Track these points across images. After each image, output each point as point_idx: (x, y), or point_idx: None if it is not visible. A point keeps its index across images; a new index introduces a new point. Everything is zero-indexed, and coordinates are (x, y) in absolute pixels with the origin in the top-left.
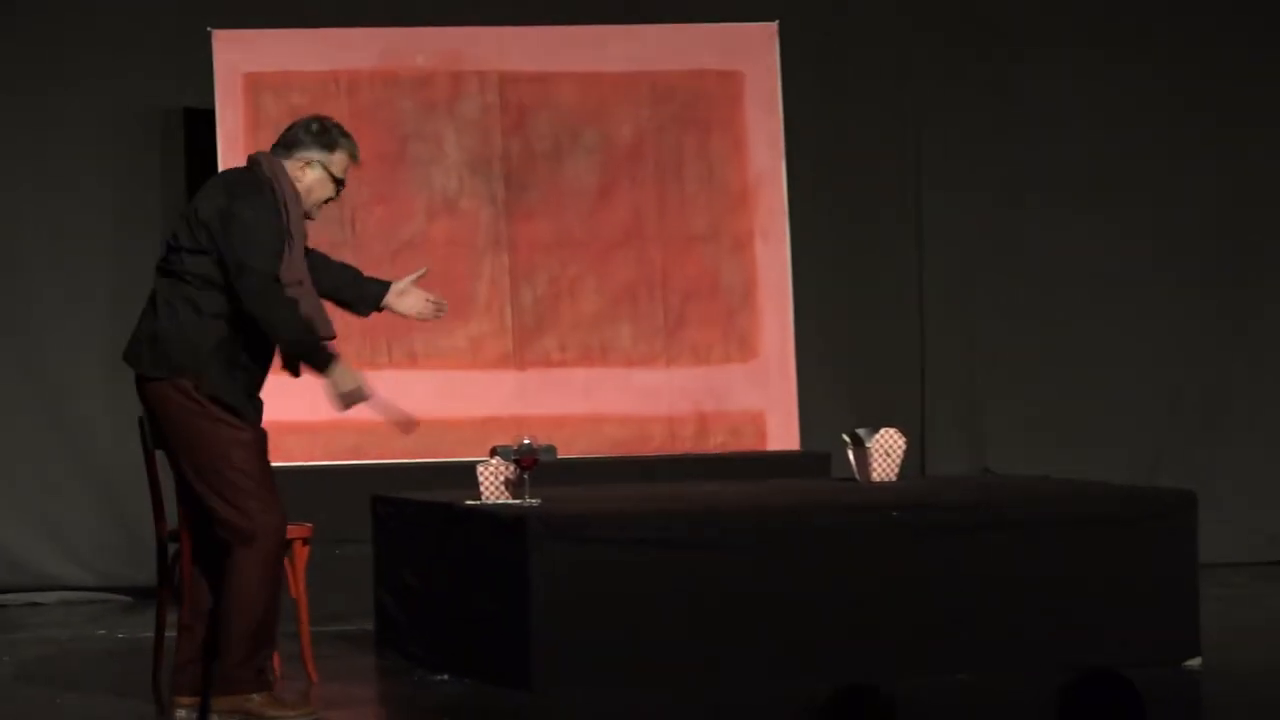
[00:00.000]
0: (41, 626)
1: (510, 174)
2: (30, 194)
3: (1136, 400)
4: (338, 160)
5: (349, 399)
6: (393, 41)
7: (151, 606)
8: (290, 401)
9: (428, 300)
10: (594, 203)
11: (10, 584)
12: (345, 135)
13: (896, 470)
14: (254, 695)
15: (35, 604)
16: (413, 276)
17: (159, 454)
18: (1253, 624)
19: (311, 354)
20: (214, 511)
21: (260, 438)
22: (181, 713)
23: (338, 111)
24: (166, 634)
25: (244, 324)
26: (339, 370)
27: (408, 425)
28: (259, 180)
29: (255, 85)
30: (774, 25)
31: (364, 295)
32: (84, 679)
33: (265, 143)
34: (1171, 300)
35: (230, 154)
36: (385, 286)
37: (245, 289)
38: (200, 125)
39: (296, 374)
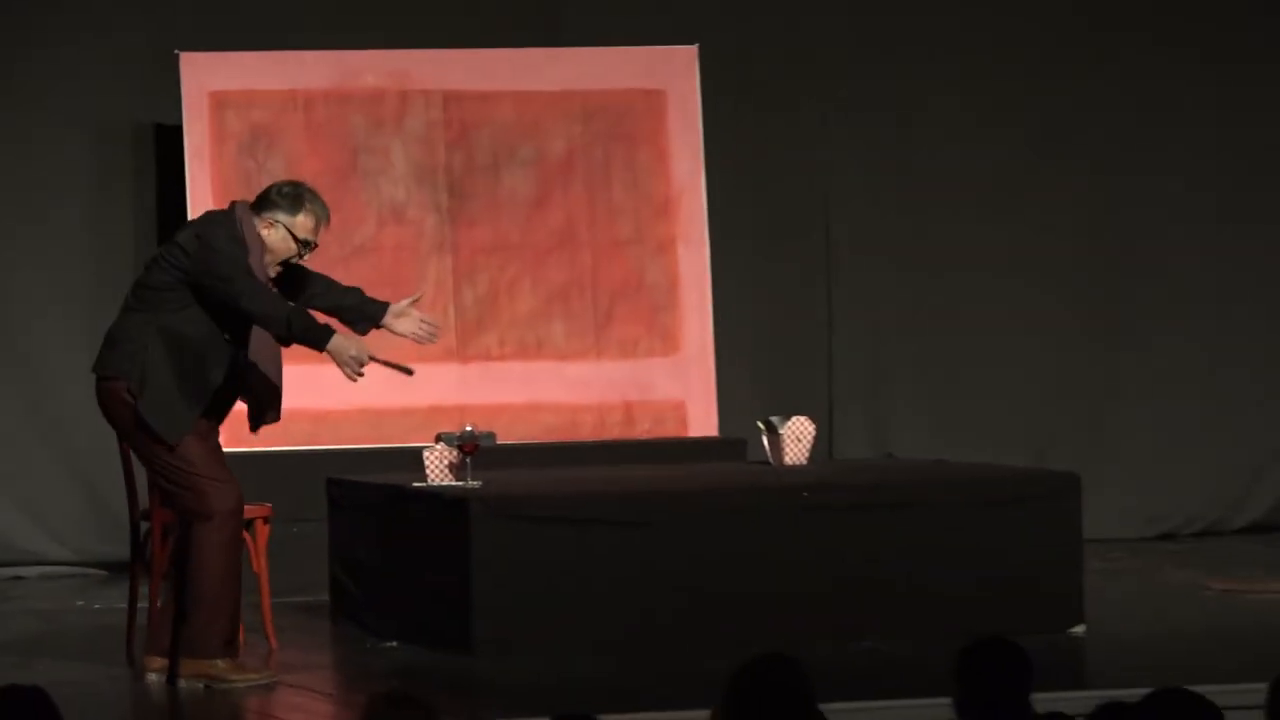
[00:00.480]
0: (24, 598)
1: (453, 185)
2: (12, 199)
3: (1028, 389)
4: (300, 223)
5: (353, 364)
6: (345, 63)
7: (125, 580)
8: None
9: (423, 322)
10: (530, 211)
11: None
12: (315, 200)
13: (807, 454)
14: (218, 660)
15: (18, 578)
16: (410, 300)
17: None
18: (1131, 595)
19: (307, 336)
20: (170, 494)
21: (202, 426)
22: (152, 676)
23: (294, 127)
24: (138, 605)
25: (193, 339)
26: (337, 341)
27: (405, 368)
28: (230, 222)
29: (220, 103)
30: (694, 48)
31: (365, 314)
32: (64, 646)
33: (228, 156)
34: (1059, 296)
35: (197, 166)
36: (384, 307)
37: (236, 296)
38: (169, 140)
39: (254, 428)
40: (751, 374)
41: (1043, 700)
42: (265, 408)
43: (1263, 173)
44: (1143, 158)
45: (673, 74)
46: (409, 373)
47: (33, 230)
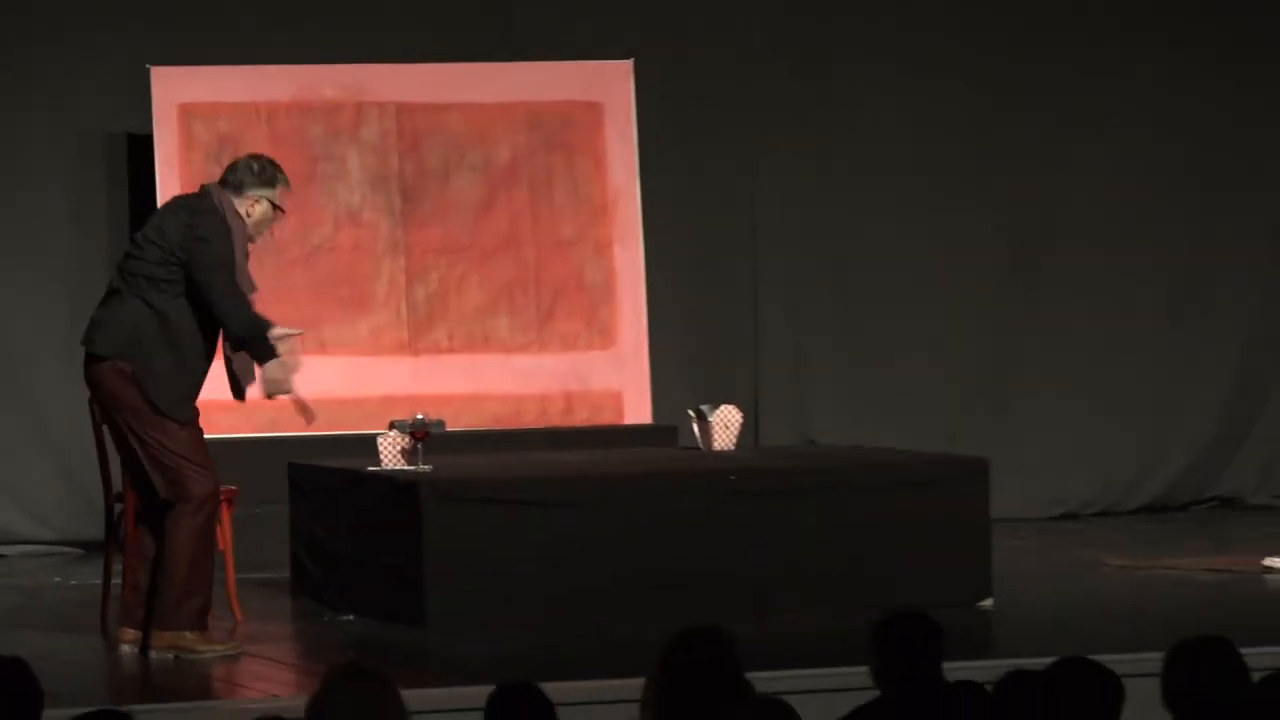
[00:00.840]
0: (6, 575)
1: (405, 190)
2: None
3: (941, 379)
4: (280, 193)
5: (272, 387)
6: (305, 77)
7: (100, 558)
8: (222, 383)
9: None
10: (477, 214)
11: None
12: (279, 169)
13: (734, 441)
14: (187, 633)
15: (1, 556)
16: (287, 333)
17: (105, 428)
18: (1036, 571)
19: (256, 345)
20: (155, 477)
21: (193, 411)
22: (125, 647)
23: (258, 136)
24: (112, 581)
25: (186, 323)
26: (274, 364)
27: (309, 416)
28: (213, 208)
29: (188, 114)
30: (629, 63)
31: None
32: (43, 619)
33: (196, 163)
34: (970, 292)
35: (166, 172)
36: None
37: (213, 292)
38: (141, 148)
39: (240, 396)
40: (683, 366)
41: (953, 669)
42: (247, 376)
43: (1159, 185)
44: (1051, 168)
45: (610, 87)
46: (310, 419)
47: (15, 229)
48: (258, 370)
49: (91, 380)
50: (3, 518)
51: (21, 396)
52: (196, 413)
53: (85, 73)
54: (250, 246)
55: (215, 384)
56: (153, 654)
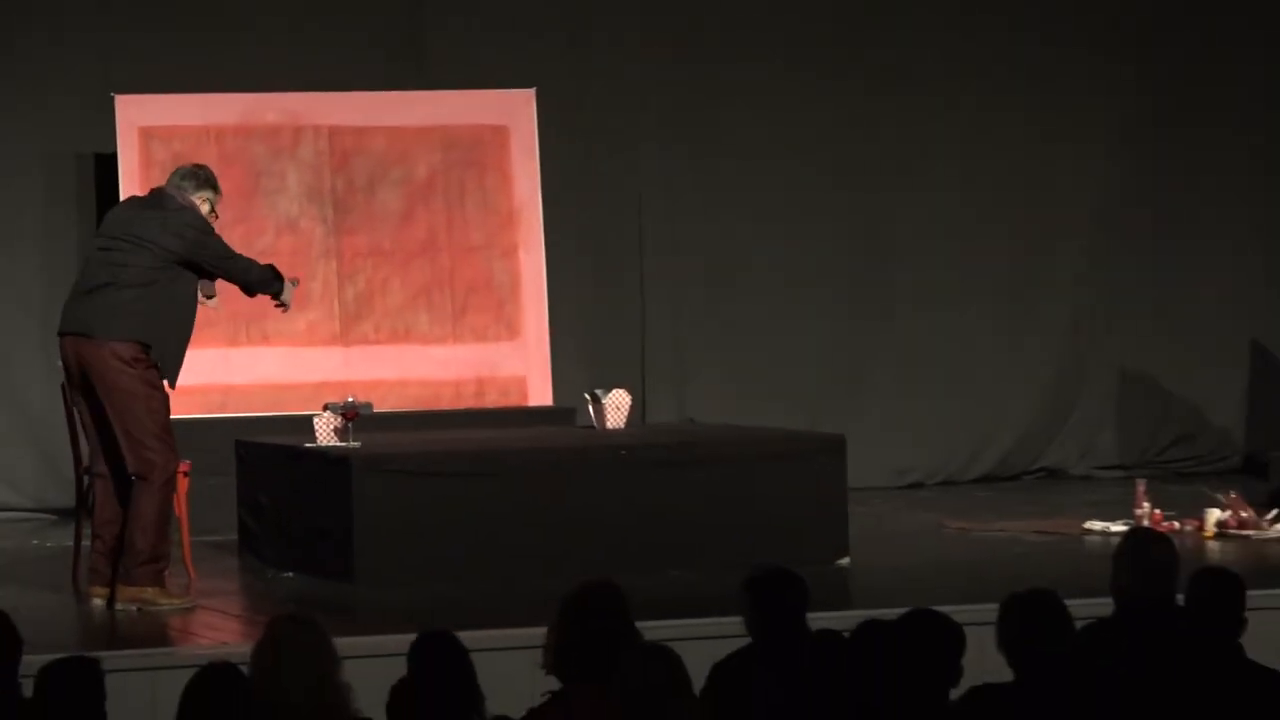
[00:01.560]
0: None
1: (337, 202)
2: None
3: (804, 365)
4: (216, 196)
5: (290, 301)
6: (250, 104)
7: (71, 523)
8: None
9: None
10: (399, 223)
11: None
12: (214, 175)
13: (624, 420)
14: (148, 588)
15: None
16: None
17: (75, 409)
18: (886, 533)
19: (270, 289)
20: (127, 454)
21: (166, 397)
22: (96, 601)
23: (208, 155)
24: (82, 544)
25: (185, 305)
26: (286, 290)
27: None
28: (185, 205)
29: (148, 136)
30: (532, 91)
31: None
32: (21, 577)
33: (154, 179)
34: (829, 289)
35: (129, 187)
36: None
37: (235, 270)
38: (106, 166)
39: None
40: (579, 355)
41: (815, 618)
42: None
43: (990, 195)
44: (896, 180)
45: (514, 112)
46: (295, 283)
47: None
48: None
49: (85, 361)
50: None
51: (0, 384)
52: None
53: (57, 100)
54: None
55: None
56: (118, 607)
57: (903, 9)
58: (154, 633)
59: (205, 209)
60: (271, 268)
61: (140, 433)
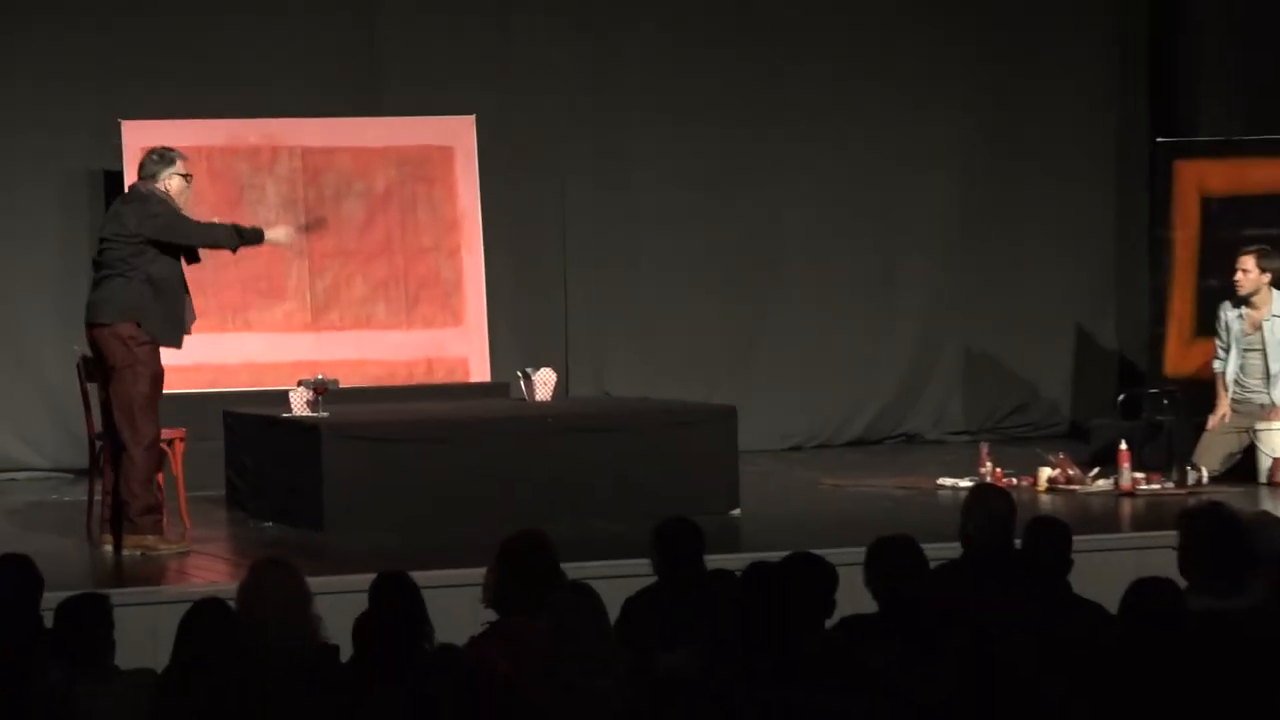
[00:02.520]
0: (14, 494)
1: (308, 210)
2: (2, 221)
3: (704, 345)
4: (180, 165)
5: (288, 240)
6: (235, 128)
7: (85, 481)
8: (181, 356)
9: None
10: (361, 228)
11: None
12: (171, 149)
13: (551, 394)
14: (149, 536)
15: (12, 479)
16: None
17: (90, 386)
18: (771, 488)
19: (247, 241)
20: (117, 418)
21: (158, 373)
22: (106, 548)
23: (199, 171)
24: (95, 499)
25: (165, 279)
26: (270, 235)
27: (319, 223)
28: (147, 194)
29: None
30: (472, 117)
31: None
32: (43, 527)
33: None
34: (724, 280)
35: None
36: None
37: (189, 236)
38: (114, 181)
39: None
40: (513, 339)
41: (712, 560)
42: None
43: (858, 195)
44: (784, 188)
45: (458, 135)
46: (322, 222)
47: (17, 242)
48: (273, 242)
49: (94, 343)
50: (10, 450)
51: (25, 361)
52: (161, 370)
53: (73, 124)
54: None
55: (175, 356)
56: (125, 552)
57: (781, 52)
58: (155, 573)
59: (177, 184)
60: (235, 226)
61: (128, 403)
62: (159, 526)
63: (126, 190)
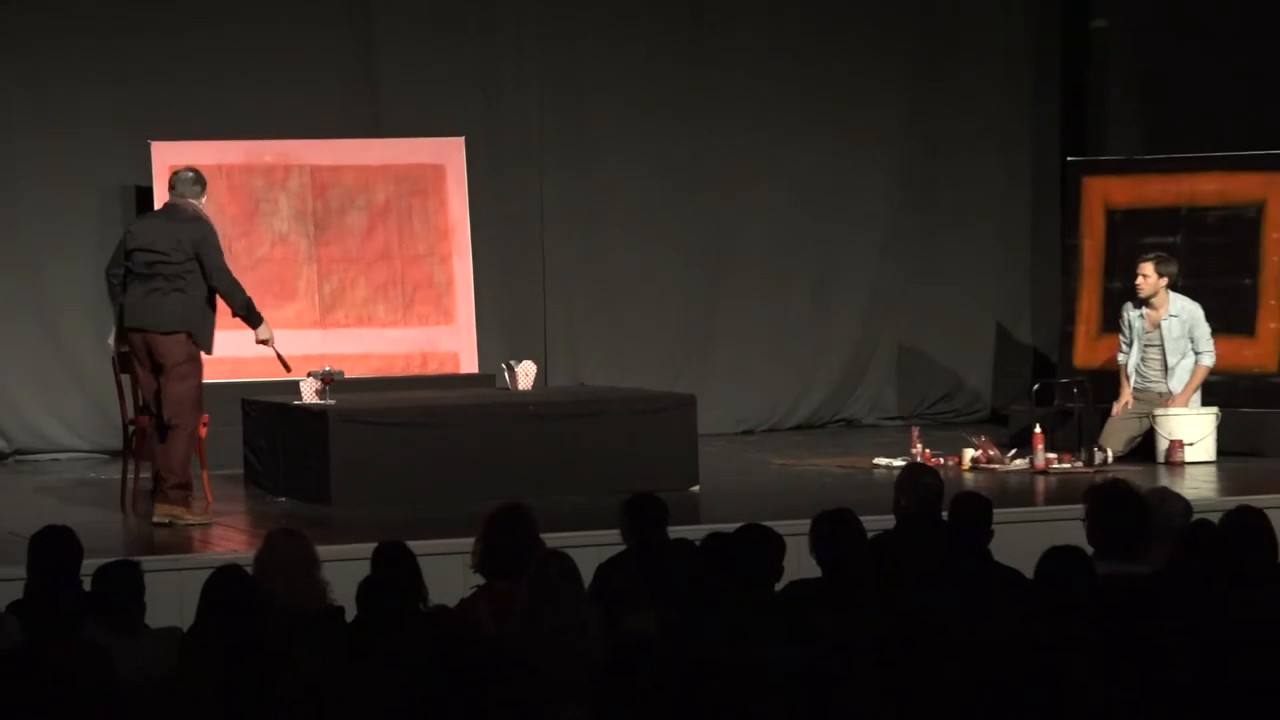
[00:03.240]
0: (56, 473)
1: (317, 221)
2: (48, 230)
3: (668, 341)
4: (207, 188)
5: (268, 336)
6: (252, 149)
7: (120, 461)
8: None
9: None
10: (364, 237)
11: (37, 447)
12: (202, 174)
13: (531, 384)
14: (177, 507)
15: (55, 460)
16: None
17: (130, 378)
18: (727, 468)
19: (250, 318)
20: (171, 408)
21: (201, 372)
22: (137, 519)
23: (221, 186)
24: (128, 476)
25: (210, 302)
26: (262, 326)
27: (286, 366)
28: (200, 217)
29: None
30: (461, 139)
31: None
32: (83, 500)
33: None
34: (686, 280)
35: None
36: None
37: (220, 285)
38: (145, 196)
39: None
40: (497, 335)
41: (674, 531)
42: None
43: (807, 202)
44: (740, 195)
45: (449, 154)
46: (287, 369)
47: (59, 251)
48: (257, 332)
49: (155, 349)
50: (52, 433)
51: (65, 357)
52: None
53: (107, 144)
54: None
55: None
56: (155, 519)
57: (737, 75)
58: (181, 542)
59: (204, 205)
60: (250, 300)
61: (181, 397)
62: (187, 500)
63: (165, 205)
